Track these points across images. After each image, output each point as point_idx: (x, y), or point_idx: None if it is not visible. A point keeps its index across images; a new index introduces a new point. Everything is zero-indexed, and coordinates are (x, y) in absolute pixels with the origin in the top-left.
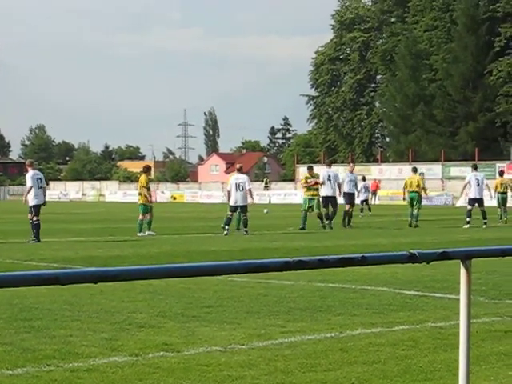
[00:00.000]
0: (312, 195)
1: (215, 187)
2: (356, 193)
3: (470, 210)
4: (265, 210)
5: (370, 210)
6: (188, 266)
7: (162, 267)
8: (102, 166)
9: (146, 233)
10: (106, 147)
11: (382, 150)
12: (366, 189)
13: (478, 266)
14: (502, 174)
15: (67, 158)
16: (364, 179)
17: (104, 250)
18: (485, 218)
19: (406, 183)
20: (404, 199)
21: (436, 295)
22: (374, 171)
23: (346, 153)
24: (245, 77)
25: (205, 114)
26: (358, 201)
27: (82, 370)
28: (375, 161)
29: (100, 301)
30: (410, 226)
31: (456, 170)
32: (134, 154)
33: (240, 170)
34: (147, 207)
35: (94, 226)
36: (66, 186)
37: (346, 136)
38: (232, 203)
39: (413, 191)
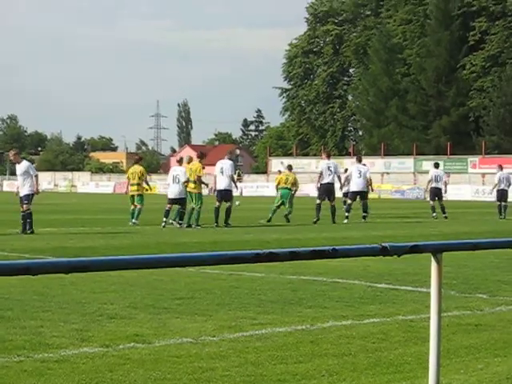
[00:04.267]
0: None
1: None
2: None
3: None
4: (236, 203)
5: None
6: (159, 258)
7: (133, 258)
8: (74, 156)
9: (132, 221)
10: (79, 138)
11: (354, 143)
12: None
13: (448, 259)
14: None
15: (39, 149)
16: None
17: (75, 241)
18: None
19: (280, 179)
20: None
21: (407, 288)
22: (347, 164)
23: (319, 146)
24: (218, 69)
25: (178, 105)
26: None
27: (53, 361)
28: (348, 154)
29: (71, 292)
30: (269, 221)
31: (428, 164)
32: (106, 145)
33: (180, 162)
34: (143, 197)
35: (65, 217)
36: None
37: (319, 129)
38: (169, 196)
39: (286, 188)
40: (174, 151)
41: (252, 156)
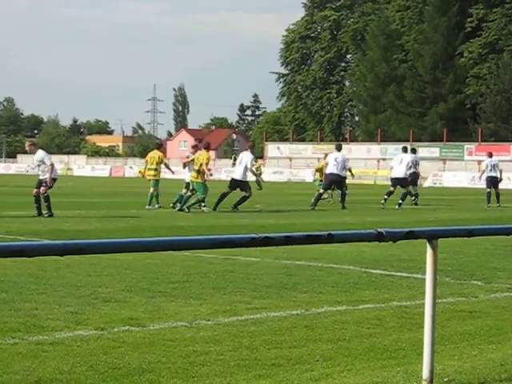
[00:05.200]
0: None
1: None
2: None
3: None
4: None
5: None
6: (154, 241)
7: (128, 241)
8: (70, 139)
9: (156, 206)
10: (75, 121)
11: (351, 129)
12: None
13: (444, 246)
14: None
15: (36, 132)
16: None
17: (71, 224)
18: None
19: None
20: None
21: (402, 274)
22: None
23: (315, 131)
24: (215, 53)
25: (174, 89)
26: None
27: (47, 343)
28: (344, 140)
29: (66, 274)
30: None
31: (424, 150)
32: (102, 128)
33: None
34: (159, 181)
35: (61, 200)
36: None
37: (315, 114)
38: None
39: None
40: (170, 135)
41: (248, 141)
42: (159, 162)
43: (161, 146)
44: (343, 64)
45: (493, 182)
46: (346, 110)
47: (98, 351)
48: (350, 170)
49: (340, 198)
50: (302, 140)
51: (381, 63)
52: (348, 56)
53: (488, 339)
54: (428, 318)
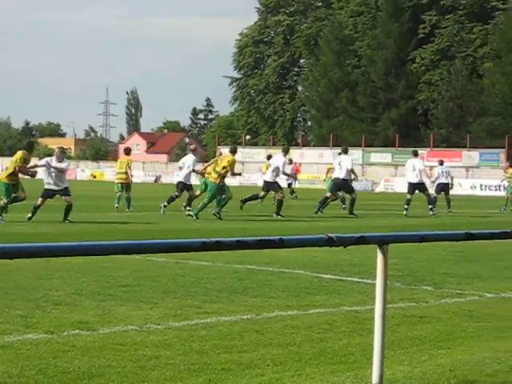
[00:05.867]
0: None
1: (136, 166)
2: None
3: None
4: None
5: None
6: (105, 244)
7: (78, 245)
8: (22, 142)
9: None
10: (27, 123)
11: (303, 134)
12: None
13: (395, 251)
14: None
15: None
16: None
17: (23, 227)
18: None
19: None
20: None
21: (353, 279)
22: (295, 155)
23: (268, 135)
24: (168, 57)
25: (127, 92)
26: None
27: None
28: (296, 144)
29: (16, 277)
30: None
31: (376, 155)
32: (54, 131)
33: (194, 151)
34: (130, 184)
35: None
36: None
37: (268, 119)
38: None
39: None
40: (122, 138)
41: (201, 145)
42: (129, 166)
43: (129, 152)
44: (296, 69)
45: (443, 188)
46: (299, 114)
47: (47, 355)
48: (353, 172)
49: (349, 203)
50: (255, 144)
51: (334, 68)
52: (301, 61)
53: (438, 344)
54: (378, 323)
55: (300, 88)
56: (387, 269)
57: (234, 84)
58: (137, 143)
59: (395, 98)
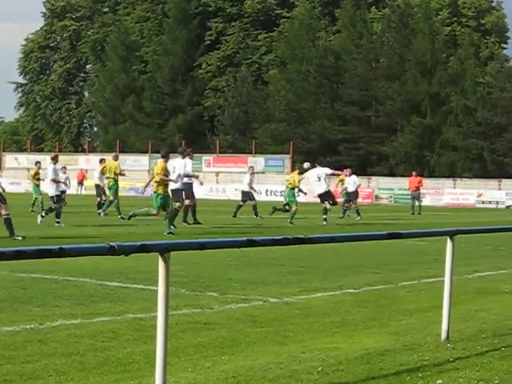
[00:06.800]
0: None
1: None
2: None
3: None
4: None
5: None
6: None
7: None
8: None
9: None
10: None
11: (90, 140)
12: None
13: (180, 257)
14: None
15: None
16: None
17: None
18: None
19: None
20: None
21: (138, 286)
22: (81, 161)
23: (54, 142)
24: None
25: None
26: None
27: None
28: (83, 151)
29: None
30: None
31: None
32: None
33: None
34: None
35: None
36: None
37: (54, 125)
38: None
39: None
40: None
41: None
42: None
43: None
44: (83, 74)
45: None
46: (86, 120)
47: None
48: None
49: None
50: (41, 150)
51: (120, 74)
52: (88, 66)
53: (222, 350)
54: (160, 330)
55: (86, 94)
56: (169, 276)
57: (20, 89)
58: None
59: (182, 104)
